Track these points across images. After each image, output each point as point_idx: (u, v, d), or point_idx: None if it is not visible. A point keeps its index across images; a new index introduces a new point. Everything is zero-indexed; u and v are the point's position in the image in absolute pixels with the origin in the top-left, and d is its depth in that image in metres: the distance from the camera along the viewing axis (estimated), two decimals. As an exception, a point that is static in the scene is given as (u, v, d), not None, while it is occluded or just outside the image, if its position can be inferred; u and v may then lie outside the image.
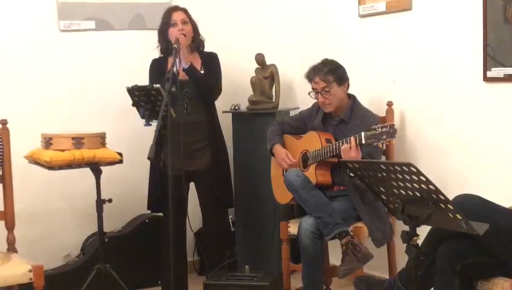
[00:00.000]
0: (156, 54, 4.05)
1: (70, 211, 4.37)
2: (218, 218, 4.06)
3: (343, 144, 3.44)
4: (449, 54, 3.67)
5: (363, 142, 3.35)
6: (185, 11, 3.98)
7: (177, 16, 3.92)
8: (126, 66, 4.45)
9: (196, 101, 3.93)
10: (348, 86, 3.71)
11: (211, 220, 4.07)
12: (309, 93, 3.73)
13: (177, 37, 3.77)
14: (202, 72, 3.95)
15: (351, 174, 3.33)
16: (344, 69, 3.70)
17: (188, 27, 3.91)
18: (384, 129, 3.29)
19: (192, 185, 4.09)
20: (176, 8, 3.99)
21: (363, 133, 3.35)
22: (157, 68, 3.93)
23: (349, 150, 3.38)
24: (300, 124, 3.91)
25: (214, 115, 4.04)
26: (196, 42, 4.00)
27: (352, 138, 3.39)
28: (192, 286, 4.21)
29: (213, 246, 4.06)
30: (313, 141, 3.71)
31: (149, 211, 4.41)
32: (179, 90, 3.76)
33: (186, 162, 3.87)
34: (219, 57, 4.06)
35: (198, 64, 3.96)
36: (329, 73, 3.63)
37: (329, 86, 3.62)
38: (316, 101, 3.80)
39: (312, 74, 3.67)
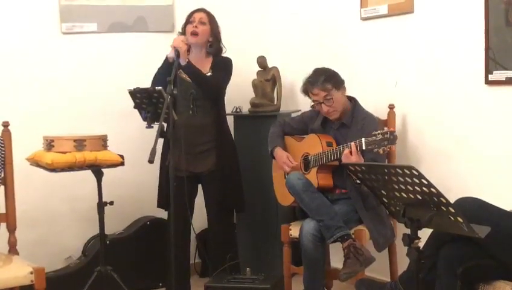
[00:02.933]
0: (158, 56, 4.05)
1: (72, 214, 4.37)
2: (221, 221, 4.05)
3: (344, 148, 3.44)
4: (451, 57, 3.67)
5: (364, 148, 3.35)
6: (207, 13, 4.01)
7: (197, 15, 3.97)
8: (128, 68, 4.45)
9: (202, 102, 3.93)
10: (345, 88, 3.71)
11: (214, 223, 4.07)
12: (311, 106, 3.72)
13: (174, 45, 3.72)
14: (209, 74, 3.95)
15: (358, 182, 3.31)
16: (337, 73, 3.69)
17: (203, 27, 3.95)
18: (385, 136, 3.28)
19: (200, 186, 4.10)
20: (199, 9, 4.04)
21: (363, 140, 3.35)
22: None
23: (350, 155, 3.38)
24: (302, 126, 3.92)
25: (220, 117, 4.02)
26: (214, 47, 4.01)
27: (352, 144, 3.39)
28: (194, 288, 4.21)
29: (215, 249, 4.07)
30: (314, 144, 3.71)
31: (151, 214, 4.45)
32: (184, 91, 3.82)
33: (192, 163, 3.91)
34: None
35: (206, 67, 3.96)
36: (325, 81, 3.62)
37: (330, 94, 3.62)
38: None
39: (310, 87, 3.66)
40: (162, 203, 4.06)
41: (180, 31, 4.04)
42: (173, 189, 3.38)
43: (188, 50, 3.84)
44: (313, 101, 3.69)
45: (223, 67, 3.99)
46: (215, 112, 3.99)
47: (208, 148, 3.98)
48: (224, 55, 4.08)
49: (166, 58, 3.86)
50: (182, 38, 3.80)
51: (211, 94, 3.95)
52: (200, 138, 3.94)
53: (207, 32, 3.97)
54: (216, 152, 3.98)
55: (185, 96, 3.89)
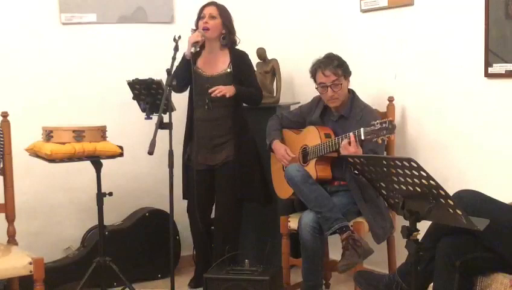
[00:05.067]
0: (157, 47, 4.07)
1: (71, 204, 4.37)
2: (230, 212, 4.09)
3: (342, 139, 3.44)
4: (451, 50, 3.67)
5: (362, 138, 3.35)
6: (217, 6, 4.05)
7: (207, 10, 4.03)
8: (127, 59, 4.45)
9: (218, 97, 3.94)
10: (349, 81, 3.72)
11: (222, 213, 4.11)
12: (316, 88, 3.70)
13: (192, 40, 3.87)
14: (229, 70, 4.03)
15: (356, 172, 3.31)
16: (347, 63, 3.70)
17: (214, 22, 3.99)
18: (383, 125, 3.29)
19: None
20: (209, 3, 4.09)
21: (362, 129, 3.35)
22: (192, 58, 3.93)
23: (349, 146, 3.38)
24: (299, 119, 3.91)
25: (237, 110, 4.08)
26: (226, 39, 4.06)
27: (351, 134, 3.39)
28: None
29: (217, 239, 4.12)
30: (312, 136, 3.71)
31: (150, 205, 4.48)
32: (200, 86, 3.94)
33: (208, 157, 4.01)
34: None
35: (226, 62, 4.04)
36: (338, 66, 3.63)
37: (339, 79, 3.62)
38: (315, 96, 3.80)
39: (322, 67, 3.63)
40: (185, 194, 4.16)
41: (194, 28, 4.07)
42: (172, 180, 3.42)
43: (203, 45, 3.99)
44: (319, 84, 3.66)
45: (250, 70, 4.12)
46: (231, 105, 4.03)
47: (224, 141, 4.03)
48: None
49: (184, 56, 3.92)
50: (197, 34, 3.90)
51: (259, 103, 4.14)
52: (216, 132, 4.01)
53: (218, 25, 4.01)
54: (232, 145, 4.02)
55: (201, 92, 3.95)
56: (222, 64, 4.02)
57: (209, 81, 3.99)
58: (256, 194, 4.11)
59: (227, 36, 4.05)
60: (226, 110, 4.01)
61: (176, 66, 3.68)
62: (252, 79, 4.10)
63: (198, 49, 3.95)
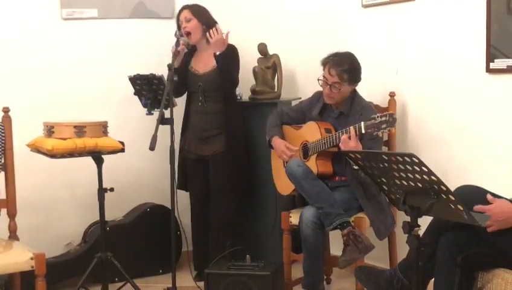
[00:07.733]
0: (158, 43, 4.17)
1: (72, 200, 4.38)
2: (222, 203, 4.20)
3: (343, 134, 3.43)
4: (452, 45, 3.66)
5: (363, 131, 3.34)
6: (190, 8, 4.15)
7: (182, 16, 4.15)
8: (128, 54, 4.45)
9: (211, 93, 4.14)
10: (355, 86, 3.68)
11: (215, 204, 4.23)
12: (318, 79, 3.67)
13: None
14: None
15: (355, 167, 3.30)
16: (360, 71, 3.64)
17: (191, 24, 4.13)
18: (383, 118, 3.28)
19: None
20: (181, 9, 4.20)
21: (362, 123, 3.34)
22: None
23: (348, 140, 3.37)
24: (300, 115, 3.90)
25: (228, 105, 4.19)
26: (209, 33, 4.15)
27: (351, 128, 3.38)
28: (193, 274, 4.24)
29: (212, 231, 4.22)
30: (313, 132, 3.70)
31: (151, 201, 4.49)
32: (193, 84, 4.11)
33: (200, 147, 4.18)
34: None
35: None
36: (346, 71, 3.57)
37: (341, 83, 3.59)
38: (316, 91, 3.79)
39: (331, 64, 3.58)
40: (180, 184, 4.24)
41: (177, 37, 4.13)
42: (174, 176, 3.40)
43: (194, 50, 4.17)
44: (323, 76, 3.63)
45: (233, 59, 4.16)
46: (223, 101, 4.17)
47: (215, 133, 4.17)
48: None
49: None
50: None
51: (230, 88, 4.21)
52: (207, 124, 4.16)
53: (196, 25, 4.13)
54: (223, 137, 4.16)
55: (195, 89, 4.14)
56: (211, 60, 4.12)
57: (201, 79, 4.14)
58: (241, 181, 4.28)
59: (208, 31, 4.12)
60: (219, 105, 4.16)
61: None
62: (233, 72, 4.18)
63: (176, 66, 3.96)
